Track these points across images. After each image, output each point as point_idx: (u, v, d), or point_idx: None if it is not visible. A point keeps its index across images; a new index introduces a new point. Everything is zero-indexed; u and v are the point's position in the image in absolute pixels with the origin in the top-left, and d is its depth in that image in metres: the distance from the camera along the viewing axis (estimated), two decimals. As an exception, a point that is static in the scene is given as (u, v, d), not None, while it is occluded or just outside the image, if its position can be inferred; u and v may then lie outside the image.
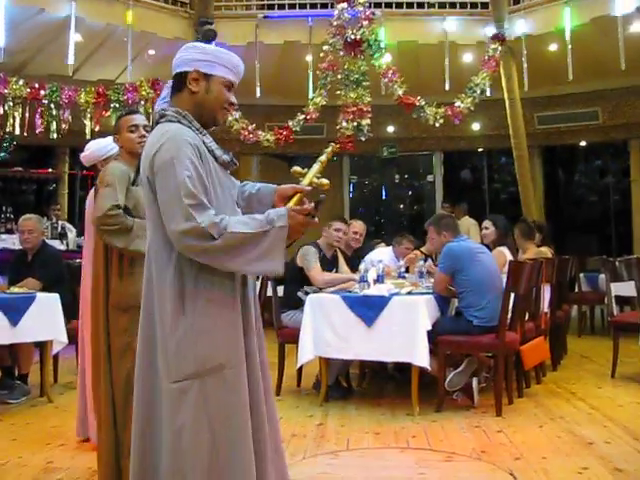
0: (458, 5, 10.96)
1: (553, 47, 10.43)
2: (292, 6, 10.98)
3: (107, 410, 3.28)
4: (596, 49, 10.22)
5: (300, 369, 5.89)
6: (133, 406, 2.38)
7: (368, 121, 9.96)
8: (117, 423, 3.25)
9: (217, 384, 2.29)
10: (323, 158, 2.54)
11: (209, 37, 10.05)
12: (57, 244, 8.79)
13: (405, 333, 5.04)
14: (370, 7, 10.19)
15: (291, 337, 5.62)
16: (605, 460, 3.98)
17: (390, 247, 7.13)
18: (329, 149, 2.64)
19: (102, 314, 3.37)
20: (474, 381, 5.32)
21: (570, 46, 9.65)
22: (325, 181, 2.46)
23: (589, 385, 6.20)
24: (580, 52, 9.72)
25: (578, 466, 3.85)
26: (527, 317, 5.93)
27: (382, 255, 6.70)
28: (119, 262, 3.31)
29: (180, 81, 2.43)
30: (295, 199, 2.41)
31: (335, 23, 9.95)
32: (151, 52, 10.66)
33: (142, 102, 9.94)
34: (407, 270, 6.51)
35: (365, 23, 9.91)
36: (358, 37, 9.88)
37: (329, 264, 6.00)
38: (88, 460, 3.90)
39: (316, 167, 2.50)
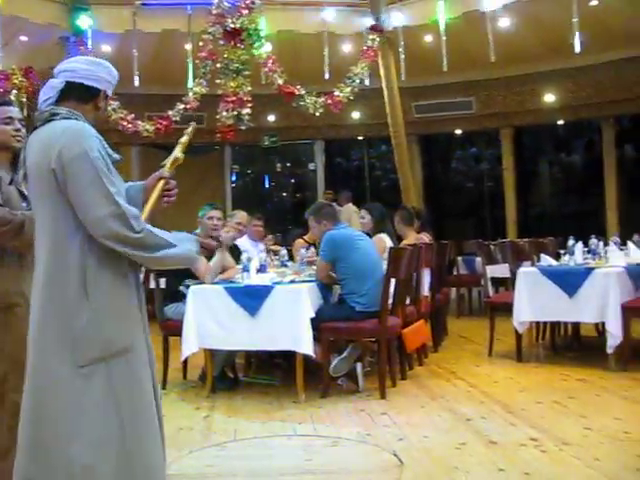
0: (337, -5, 11.07)
1: (428, 39, 10.72)
2: (170, -7, 10.77)
3: None
4: (468, 42, 10.58)
5: (185, 361, 5.84)
6: (23, 396, 2.36)
7: (248, 110, 9.93)
8: None
9: (122, 368, 2.37)
10: (184, 139, 2.73)
11: (84, 24, 9.73)
12: None
13: (289, 321, 5.08)
14: (250, -4, 10.14)
15: (175, 329, 5.54)
16: (481, 434, 4.18)
17: (245, 235, 7.04)
18: (190, 129, 2.81)
19: None
20: (358, 366, 5.44)
21: (444, 38, 9.95)
22: (179, 155, 2.68)
23: (468, 364, 6.46)
24: (454, 44, 10.03)
25: (457, 442, 4.02)
26: (408, 301, 6.10)
27: (243, 244, 6.69)
28: None
29: (87, 93, 2.53)
30: (159, 186, 2.55)
31: (214, 12, 9.84)
32: (23, 38, 10.20)
33: (14, 91, 9.52)
34: (271, 252, 6.51)
35: (245, 12, 9.85)
36: (238, 26, 9.81)
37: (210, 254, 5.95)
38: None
39: (177, 149, 2.68)
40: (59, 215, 2.35)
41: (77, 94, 2.51)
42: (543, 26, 10.36)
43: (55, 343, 2.33)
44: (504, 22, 10.03)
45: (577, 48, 9.25)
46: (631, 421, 4.38)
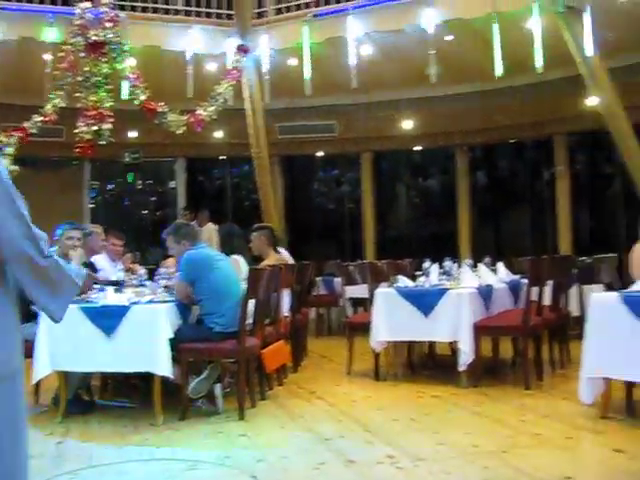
0: (204, 14, 11.05)
1: (293, 62, 10.88)
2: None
3: None
4: (332, 67, 10.82)
5: (37, 384, 5.56)
6: None
7: (109, 126, 9.69)
8: None
9: (10, 389, 2.20)
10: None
11: None
12: None
13: (146, 342, 4.96)
14: (114, 9, 9.93)
15: (26, 350, 5.26)
16: (339, 453, 4.22)
17: (103, 253, 6.86)
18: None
19: None
20: (217, 387, 5.37)
21: (308, 62, 10.13)
22: None
23: (327, 383, 6.54)
24: (318, 68, 10.24)
25: (316, 462, 4.03)
26: (267, 322, 6.10)
27: (100, 262, 6.52)
28: None
29: None
30: None
31: (77, 22, 9.56)
32: None
33: None
34: (129, 271, 6.37)
35: (109, 25, 9.63)
36: (101, 39, 9.58)
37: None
38: None
39: None
40: None
41: None
42: (403, 56, 10.76)
43: None
44: (366, 50, 10.34)
45: (433, 79, 9.66)
46: (480, 435, 4.56)
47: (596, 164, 13.39)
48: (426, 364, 7.41)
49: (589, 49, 8.73)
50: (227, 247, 6.29)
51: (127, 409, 5.60)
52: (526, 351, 6.02)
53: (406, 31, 9.94)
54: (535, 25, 8.85)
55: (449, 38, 10.08)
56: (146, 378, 5.50)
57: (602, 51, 9.14)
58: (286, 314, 6.85)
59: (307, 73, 10.12)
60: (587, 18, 8.30)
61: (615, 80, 9.58)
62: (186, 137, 10.85)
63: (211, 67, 11.03)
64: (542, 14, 8.86)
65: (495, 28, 9.04)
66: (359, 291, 8.76)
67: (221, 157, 14.30)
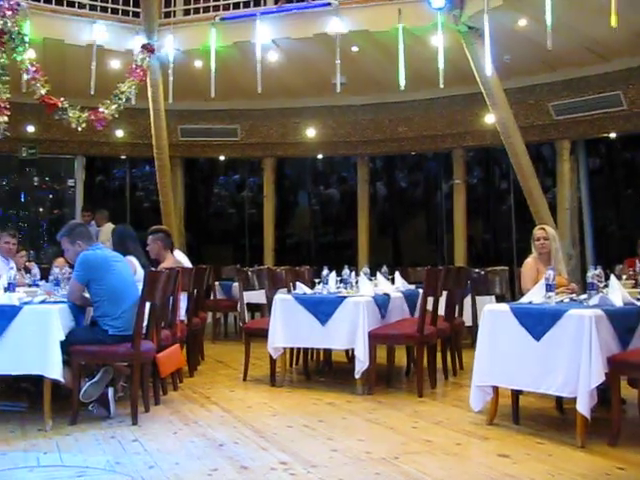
0: (109, 10, 10.81)
1: (199, 64, 10.78)
2: None
3: None
4: (237, 71, 10.80)
5: None
6: None
7: (6, 119, 9.32)
8: None
9: None
10: None
11: None
12: None
13: (37, 344, 4.80)
14: (16, -3, 9.57)
15: None
16: (233, 460, 4.21)
17: None
18: None
19: None
20: (110, 391, 5.25)
21: (214, 65, 10.07)
22: None
23: (223, 389, 6.51)
24: (223, 72, 10.19)
25: (208, 468, 4.01)
26: (163, 325, 6.03)
27: None
28: None
29: None
30: None
31: (-28, 9, 9.17)
32: None
33: None
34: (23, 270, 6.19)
35: (8, 13, 9.27)
36: None
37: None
38: None
39: None
40: None
41: None
42: (309, 64, 10.85)
43: None
44: (273, 56, 10.38)
45: (338, 88, 9.79)
46: (373, 441, 4.65)
47: (492, 179, 13.90)
48: (322, 371, 7.48)
49: (488, 69, 9.05)
50: (120, 248, 6.17)
51: (15, 413, 5.40)
52: (420, 360, 6.17)
53: (313, 39, 10.03)
54: (439, 42, 9.10)
55: (355, 49, 10.24)
56: (36, 381, 5.33)
57: (500, 72, 9.50)
58: (182, 318, 6.79)
59: (212, 76, 10.06)
60: (487, 39, 8.60)
61: (511, 100, 9.99)
62: (86, 134, 10.58)
63: (115, 64, 10.80)
64: (445, 32, 9.12)
65: (400, 42, 9.24)
66: (256, 297, 8.76)
67: (122, 156, 14.01)
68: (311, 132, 12.96)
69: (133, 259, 6.21)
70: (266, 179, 13.66)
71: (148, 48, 10.40)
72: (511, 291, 8.66)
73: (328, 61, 9.83)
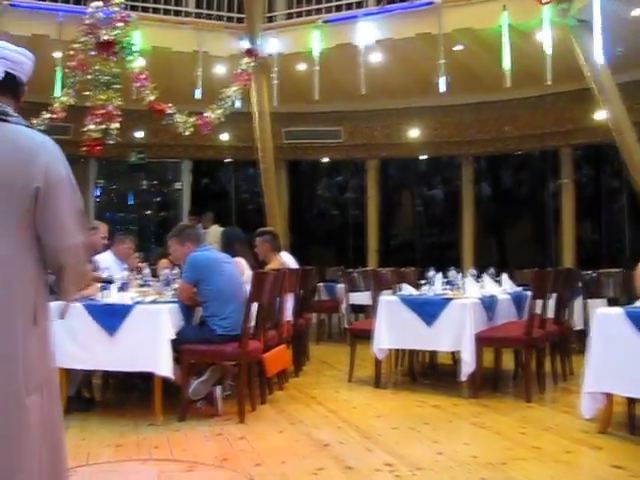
0: (214, 17, 11.07)
1: (302, 67, 10.88)
2: (41, -3, 10.38)
3: None
4: (340, 73, 10.82)
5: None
6: None
7: (117, 125, 9.69)
8: None
9: (53, 393, 2.24)
10: None
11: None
12: None
13: (148, 342, 4.96)
14: (126, 9, 9.94)
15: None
16: (338, 460, 4.21)
17: (109, 252, 6.81)
18: None
19: None
20: (217, 389, 5.36)
21: (317, 67, 10.14)
22: None
23: (328, 389, 6.53)
24: (326, 74, 10.24)
25: (314, 467, 4.02)
26: (270, 326, 6.10)
27: (105, 260, 6.51)
28: None
29: (20, 91, 2.34)
30: None
31: (87, 21, 9.57)
32: None
33: None
34: (134, 270, 6.36)
35: (119, 25, 9.64)
36: (111, 38, 9.58)
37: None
38: None
39: None
40: (14, 233, 2.13)
41: (14, 91, 2.30)
42: (412, 64, 10.76)
43: (4, 373, 2.10)
44: (375, 57, 10.35)
45: (442, 88, 9.66)
46: (479, 446, 4.57)
47: (602, 178, 13.39)
48: (427, 373, 7.39)
49: (599, 63, 8.73)
50: (229, 250, 6.28)
51: (127, 408, 5.59)
52: (528, 363, 6.01)
53: (416, 39, 9.95)
54: (545, 37, 8.84)
55: (459, 47, 10.08)
56: (147, 377, 5.50)
57: (611, 65, 9.14)
58: (289, 319, 6.84)
59: (316, 78, 10.13)
60: (597, 32, 8.28)
61: (624, 94, 9.58)
62: (193, 139, 10.86)
63: (220, 70, 11.04)
64: (553, 27, 8.85)
65: (505, 39, 9.03)
66: (360, 298, 8.75)
67: (227, 160, 14.30)
68: (414, 132, 12.86)
69: (241, 260, 6.31)
70: (369, 180, 13.64)
71: (252, 53, 10.58)
72: (625, 294, 8.30)
73: (431, 60, 9.72)
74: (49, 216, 2.17)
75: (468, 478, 3.87)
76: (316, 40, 10.23)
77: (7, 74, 2.28)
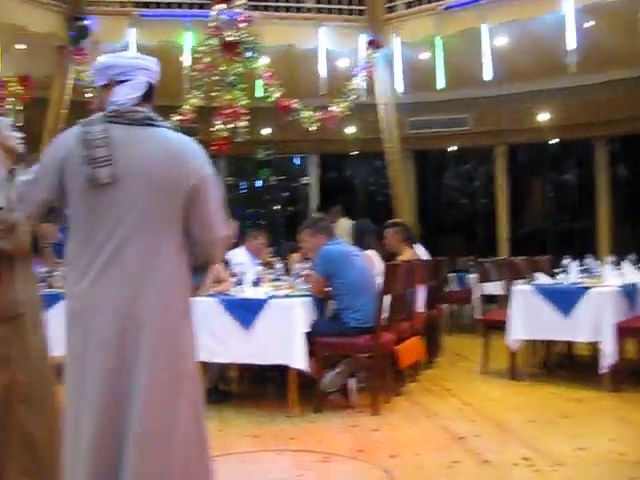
0: (335, 11, 11.13)
1: (425, 55, 10.75)
2: (168, 5, 10.77)
3: None
4: (464, 59, 10.61)
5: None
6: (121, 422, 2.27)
7: (245, 123, 9.93)
8: None
9: (198, 381, 2.47)
10: None
11: (83, 34, 9.76)
12: None
13: (282, 335, 5.05)
14: (248, 9, 10.15)
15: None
16: (474, 453, 4.15)
17: (242, 247, 6.99)
18: None
19: None
20: (351, 381, 5.40)
21: (440, 55, 9.99)
22: None
23: (462, 381, 6.44)
24: (450, 61, 10.08)
25: (449, 460, 3.98)
26: (402, 317, 6.07)
27: (239, 256, 6.67)
28: None
29: (153, 95, 2.52)
30: None
31: (211, 24, 9.85)
32: (20, 47, 10.17)
33: (10, 99, 9.50)
34: (266, 265, 6.48)
35: (242, 25, 9.86)
36: (235, 39, 9.82)
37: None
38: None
39: None
40: (173, 231, 2.35)
41: (150, 98, 2.49)
42: (539, 45, 10.40)
43: (166, 362, 2.31)
44: (500, 40, 10.09)
45: (572, 68, 9.29)
46: (625, 442, 4.34)
47: None
48: (563, 365, 7.14)
49: None
50: (360, 243, 6.30)
51: (263, 400, 5.73)
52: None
53: (543, 19, 9.60)
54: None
55: (589, 24, 9.65)
56: (281, 370, 5.61)
57: None
58: (421, 310, 6.79)
59: (439, 66, 9.98)
60: None
61: None
62: (318, 133, 10.95)
63: (343, 63, 11.08)
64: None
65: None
66: (493, 288, 8.54)
67: (353, 152, 14.35)
68: (544, 116, 12.44)
69: (373, 253, 6.32)
70: (498, 168, 13.32)
71: (374, 44, 10.56)
72: None
73: (559, 40, 9.36)
74: (201, 212, 2.38)
75: (614, 477, 3.72)
76: (437, 27, 10.07)
77: (148, 84, 2.48)
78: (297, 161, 14.78)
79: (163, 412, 2.27)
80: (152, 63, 2.53)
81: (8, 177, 3.07)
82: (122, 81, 2.43)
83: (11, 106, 9.38)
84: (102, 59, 2.49)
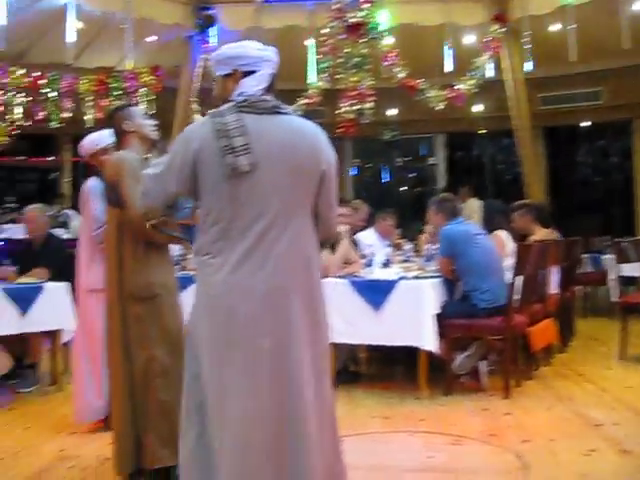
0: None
1: (556, 27, 10.34)
2: (291, -10, 10.88)
3: (124, 399, 3.30)
4: (599, 28, 10.13)
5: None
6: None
7: (370, 104, 9.90)
8: (137, 408, 3.26)
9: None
10: None
11: (210, 23, 10.01)
12: (61, 232, 8.76)
13: (412, 317, 5.03)
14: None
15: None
16: (613, 442, 3.98)
17: (371, 229, 6.99)
18: None
19: (116, 304, 3.36)
20: (482, 364, 5.32)
21: (573, 26, 9.57)
22: None
23: (598, 366, 6.20)
24: (583, 32, 9.63)
25: (585, 448, 3.84)
26: (535, 299, 5.91)
27: (368, 238, 6.67)
28: (133, 251, 3.30)
29: (274, 83, 2.58)
30: None
31: (335, 7, 9.86)
32: (151, 38, 10.59)
33: (142, 89, 9.90)
34: (394, 247, 6.46)
35: (366, 6, 9.82)
36: (359, 20, 9.79)
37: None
38: (98, 448, 3.93)
39: None
40: (304, 212, 2.45)
41: (272, 88, 2.56)
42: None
43: (312, 342, 2.43)
44: (639, 5, 9.55)
45: None
46: None
47: None
48: None
49: None
50: (490, 223, 6.17)
51: (392, 381, 5.73)
52: None
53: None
54: None
55: None
56: (410, 352, 5.60)
57: None
58: (554, 292, 6.58)
59: (571, 38, 9.57)
60: None
61: None
62: (445, 112, 10.78)
63: (469, 39, 10.82)
64: None
65: None
66: (631, 269, 8.16)
67: (480, 131, 14.04)
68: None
69: (502, 233, 6.18)
70: (636, 142, 12.64)
71: (501, 18, 10.25)
72: None
73: None
74: (327, 193, 2.52)
75: None
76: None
77: (272, 75, 2.54)
78: (423, 141, 14.60)
79: (315, 389, 2.38)
80: (274, 54, 2.58)
81: (143, 164, 3.21)
82: (248, 72, 2.48)
83: (144, 96, 9.76)
84: (227, 49, 2.53)
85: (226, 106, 2.42)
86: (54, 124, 9.67)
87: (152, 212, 2.58)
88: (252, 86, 2.47)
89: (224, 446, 2.30)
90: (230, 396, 2.31)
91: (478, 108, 12.58)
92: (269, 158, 2.35)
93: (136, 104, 3.70)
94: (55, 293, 5.49)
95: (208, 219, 2.39)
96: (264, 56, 2.52)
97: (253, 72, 2.48)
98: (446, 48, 10.25)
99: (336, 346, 5.35)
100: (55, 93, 9.55)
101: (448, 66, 10.24)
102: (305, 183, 2.43)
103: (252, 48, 2.53)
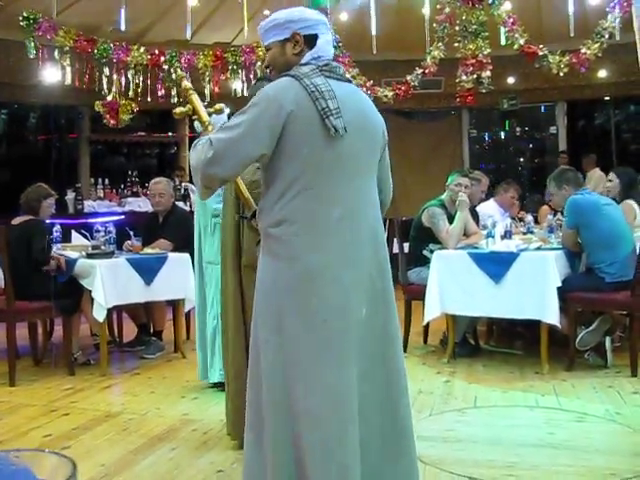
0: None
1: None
2: (408, -43, 10.68)
3: (240, 365, 3.36)
4: None
5: (427, 326, 5.84)
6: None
7: (488, 73, 9.62)
8: None
9: None
10: (188, 85, 2.75)
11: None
12: (181, 205, 9.04)
13: (534, 290, 4.91)
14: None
15: (417, 294, 5.58)
16: None
17: (492, 200, 6.89)
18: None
19: (232, 272, 3.43)
20: (607, 340, 5.12)
21: None
22: (218, 105, 2.73)
23: None
24: None
25: None
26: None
27: (489, 209, 6.53)
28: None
29: None
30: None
31: (451, -26, 9.62)
32: (266, 12, 10.65)
33: (259, 63, 10.01)
34: (513, 219, 6.31)
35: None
36: (478, -15, 9.52)
37: (451, 220, 5.88)
38: (219, 413, 4.04)
39: (195, 97, 2.71)
40: (374, 178, 2.47)
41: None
42: None
43: (395, 313, 2.48)
44: None
45: None
46: None
47: None
48: None
49: None
50: (626, 192, 5.92)
51: (512, 356, 5.64)
52: None
53: None
54: None
55: None
56: (530, 326, 5.47)
57: None
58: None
59: None
60: None
61: None
62: (566, 79, 10.36)
63: (593, 0, 10.32)
64: None
65: None
66: None
67: (605, 98, 13.42)
68: None
69: (632, 203, 5.91)
70: None
71: (631, -23, 9.73)
72: None
73: None
74: (385, 164, 2.56)
75: None
76: None
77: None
78: (544, 110, 14.11)
79: (402, 358, 2.47)
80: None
81: None
82: (308, 35, 2.40)
83: (259, 69, 9.88)
84: (284, 13, 2.43)
85: (308, 68, 2.33)
86: (173, 100, 9.92)
87: (226, 178, 2.38)
88: (328, 50, 2.43)
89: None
90: (323, 365, 2.23)
91: (602, 74, 12.03)
92: (352, 124, 2.29)
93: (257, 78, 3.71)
94: (178, 264, 5.69)
95: (296, 184, 2.24)
96: (321, 19, 2.46)
97: (315, 36, 2.41)
98: (569, 10, 9.81)
99: (456, 318, 5.33)
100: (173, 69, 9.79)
101: (571, 30, 9.82)
102: (376, 150, 2.46)
103: (309, 12, 2.48)
